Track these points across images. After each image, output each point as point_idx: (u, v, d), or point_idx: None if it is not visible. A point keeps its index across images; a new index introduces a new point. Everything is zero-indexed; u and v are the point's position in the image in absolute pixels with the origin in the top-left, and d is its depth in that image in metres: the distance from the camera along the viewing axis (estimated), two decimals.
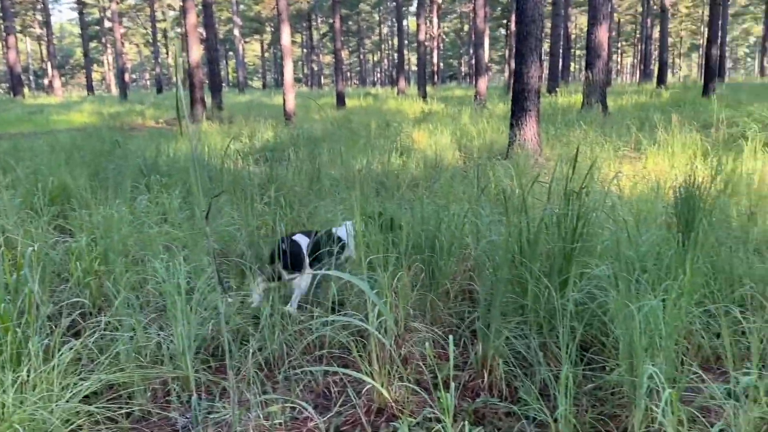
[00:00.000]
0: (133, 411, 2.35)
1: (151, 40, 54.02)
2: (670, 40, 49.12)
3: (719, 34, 19.72)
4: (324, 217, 4.06)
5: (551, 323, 2.61)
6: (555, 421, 2.09)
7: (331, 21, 43.89)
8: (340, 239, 3.38)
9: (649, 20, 40.91)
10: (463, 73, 67.72)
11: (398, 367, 2.45)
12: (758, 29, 59.43)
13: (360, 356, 2.45)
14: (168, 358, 2.59)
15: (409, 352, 2.66)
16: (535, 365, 2.49)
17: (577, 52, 61.40)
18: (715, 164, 5.53)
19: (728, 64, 63.60)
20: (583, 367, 2.49)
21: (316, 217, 4.19)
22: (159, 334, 2.71)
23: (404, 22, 37.74)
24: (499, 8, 45.25)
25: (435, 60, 47.01)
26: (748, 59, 77.99)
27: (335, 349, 2.73)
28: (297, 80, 67.77)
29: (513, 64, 8.47)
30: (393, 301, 2.85)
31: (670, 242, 3.22)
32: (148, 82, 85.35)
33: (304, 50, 66.29)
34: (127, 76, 41.88)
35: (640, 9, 47.37)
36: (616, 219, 3.46)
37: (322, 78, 64.75)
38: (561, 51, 28.10)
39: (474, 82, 21.95)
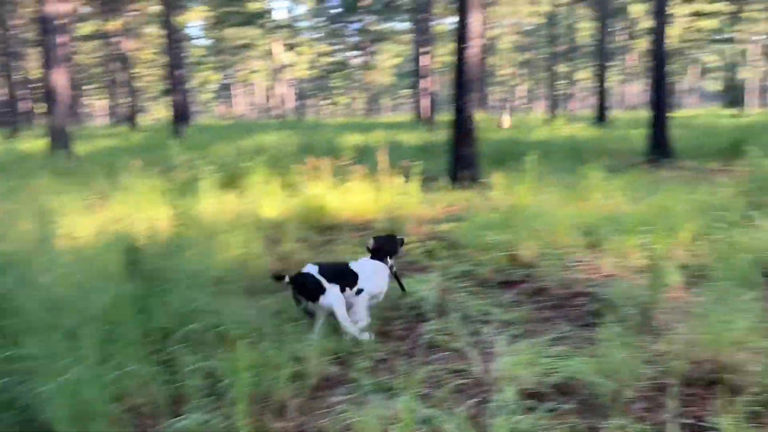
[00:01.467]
0: None
1: None
2: (141, 84, 50.63)
3: (180, 83, 21.38)
4: None
5: None
6: None
7: None
8: (353, 273, 3.66)
9: (116, 64, 41.33)
10: None
11: None
12: (217, 77, 67.35)
13: None
14: None
15: None
16: None
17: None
18: (174, 206, 5.89)
19: (196, 107, 70.05)
20: None
21: None
22: None
23: None
24: None
25: None
26: (213, 103, 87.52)
27: None
28: None
29: None
30: None
31: (125, 291, 3.21)
32: None
33: None
34: None
35: (103, 53, 47.18)
36: (63, 280, 3.23)
37: None
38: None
39: None
